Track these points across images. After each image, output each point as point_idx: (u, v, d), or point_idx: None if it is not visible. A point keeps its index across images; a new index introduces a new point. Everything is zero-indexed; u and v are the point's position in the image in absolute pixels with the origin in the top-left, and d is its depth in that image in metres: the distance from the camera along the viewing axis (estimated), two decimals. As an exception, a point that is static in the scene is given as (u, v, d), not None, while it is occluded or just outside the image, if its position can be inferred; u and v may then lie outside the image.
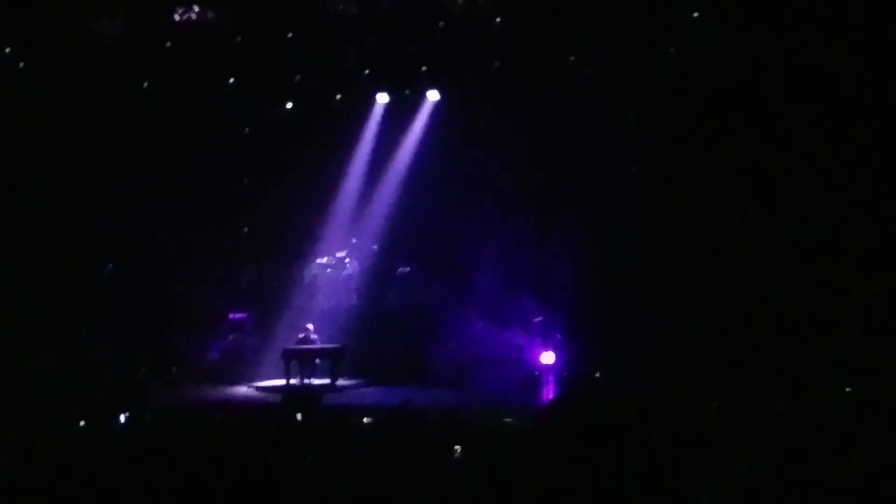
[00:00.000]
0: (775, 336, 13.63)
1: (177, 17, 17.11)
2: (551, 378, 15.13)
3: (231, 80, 17.87)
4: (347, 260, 18.08)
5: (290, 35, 17.30)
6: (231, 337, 17.87)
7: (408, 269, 17.86)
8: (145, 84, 17.88)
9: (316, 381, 15.78)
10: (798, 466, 7.38)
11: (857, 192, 13.99)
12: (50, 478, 8.16)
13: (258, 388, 15.70)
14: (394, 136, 18.16)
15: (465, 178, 16.90)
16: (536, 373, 15.36)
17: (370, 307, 17.45)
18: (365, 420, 9.92)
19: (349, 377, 15.90)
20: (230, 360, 17.31)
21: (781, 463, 7.47)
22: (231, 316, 17.96)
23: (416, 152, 17.93)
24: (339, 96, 18.05)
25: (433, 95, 17.63)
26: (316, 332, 16.31)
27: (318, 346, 16.15)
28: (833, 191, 14.15)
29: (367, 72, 17.63)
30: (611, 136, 15.98)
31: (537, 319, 15.86)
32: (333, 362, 15.82)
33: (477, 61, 16.67)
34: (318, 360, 16.07)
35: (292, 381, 15.63)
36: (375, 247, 18.06)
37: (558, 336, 15.60)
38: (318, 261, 18.16)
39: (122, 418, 10.59)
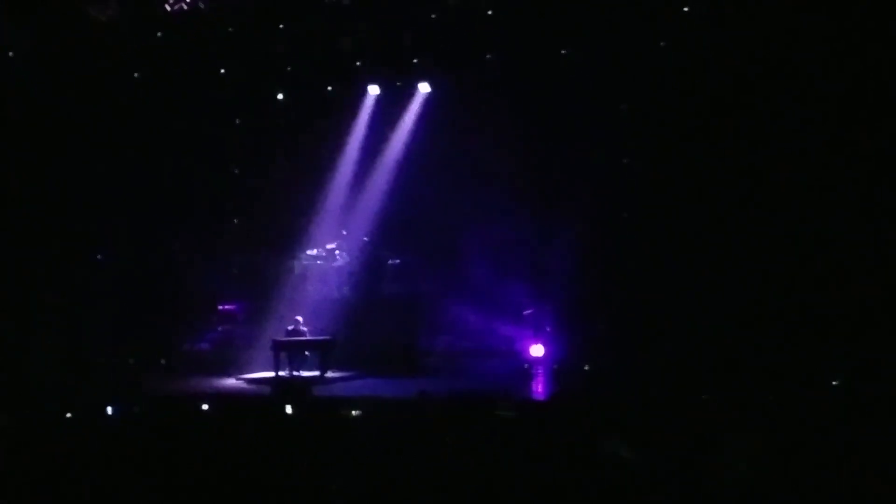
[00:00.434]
0: (769, 329, 13.65)
1: (168, 8, 17.02)
2: (541, 370, 15.18)
3: (222, 70, 17.83)
4: (338, 251, 18.06)
5: (281, 26, 17.26)
6: (221, 328, 17.89)
7: (398, 260, 17.88)
8: (135, 74, 17.83)
9: (305, 373, 15.78)
10: (795, 465, 7.39)
11: (857, 190, 13.96)
12: (38, 468, 8.16)
13: (248, 380, 15.68)
14: (385, 128, 18.16)
15: (457, 170, 16.88)
16: (526, 365, 15.41)
17: (360, 299, 17.45)
18: (354, 413, 9.92)
19: (339, 369, 15.90)
20: (220, 352, 17.33)
21: (777, 459, 7.49)
22: (221, 307, 17.96)
23: (406, 144, 17.91)
24: (330, 88, 18.02)
25: (424, 87, 17.63)
26: (306, 323, 16.29)
27: (307, 337, 16.15)
28: (832, 188, 14.13)
29: (358, 63, 17.61)
30: (605, 128, 16.00)
31: (528, 312, 15.89)
32: (323, 354, 15.82)
33: (469, 53, 16.64)
34: (307, 352, 16.06)
35: (282, 372, 15.62)
36: (366, 238, 18.04)
37: (548, 328, 15.65)
38: (309, 252, 18.13)
39: (112, 409, 10.58)
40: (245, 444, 8.60)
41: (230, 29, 17.37)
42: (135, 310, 17.17)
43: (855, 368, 11.87)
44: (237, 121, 18.44)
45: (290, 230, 18.04)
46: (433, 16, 16.61)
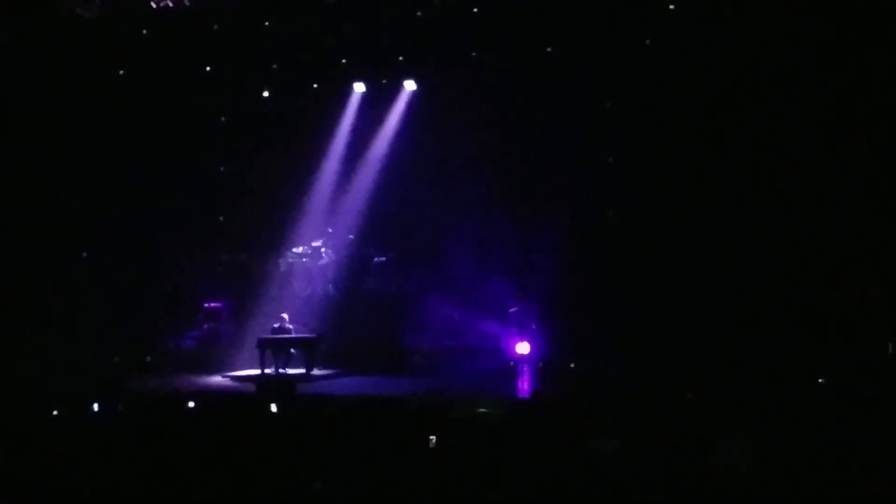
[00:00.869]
0: (761, 328, 13.68)
1: (153, 5, 16.97)
2: (526, 368, 15.22)
3: (207, 68, 17.82)
4: (323, 249, 18.04)
5: (266, 24, 17.24)
6: (207, 326, 17.86)
7: (384, 258, 17.89)
8: (120, 72, 17.78)
9: (291, 371, 15.77)
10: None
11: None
12: (23, 466, 8.14)
13: (233, 378, 15.66)
14: (370, 126, 18.15)
15: (442, 167, 16.89)
16: (512, 363, 15.44)
17: (346, 296, 17.45)
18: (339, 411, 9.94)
19: (325, 366, 15.90)
20: (206, 349, 17.30)
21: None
22: (207, 305, 17.93)
23: (392, 142, 17.92)
24: (315, 85, 18.02)
25: (410, 85, 17.64)
26: (291, 321, 16.28)
27: (293, 335, 16.14)
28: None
29: (343, 61, 17.61)
30: (589, 126, 16.05)
31: (513, 310, 15.92)
32: (309, 352, 15.81)
33: (455, 51, 16.66)
34: (293, 350, 16.06)
35: (267, 370, 15.61)
36: (351, 236, 18.03)
37: (534, 326, 15.69)
38: (294, 250, 18.12)
39: (96, 406, 10.56)
40: (230, 441, 8.60)
41: (215, 27, 17.36)
42: (120, 308, 17.11)
43: (854, 368, 11.91)
44: (223, 118, 18.42)
45: (275, 228, 18.03)
46: (419, 13, 16.64)
